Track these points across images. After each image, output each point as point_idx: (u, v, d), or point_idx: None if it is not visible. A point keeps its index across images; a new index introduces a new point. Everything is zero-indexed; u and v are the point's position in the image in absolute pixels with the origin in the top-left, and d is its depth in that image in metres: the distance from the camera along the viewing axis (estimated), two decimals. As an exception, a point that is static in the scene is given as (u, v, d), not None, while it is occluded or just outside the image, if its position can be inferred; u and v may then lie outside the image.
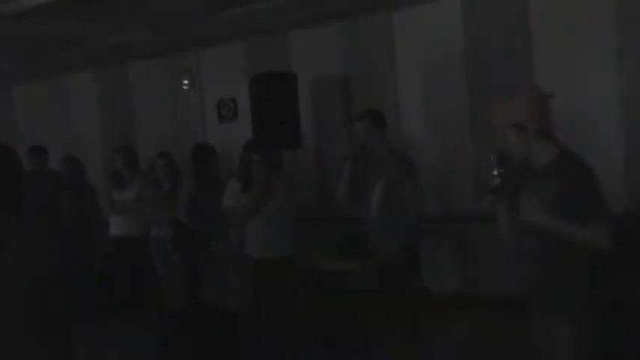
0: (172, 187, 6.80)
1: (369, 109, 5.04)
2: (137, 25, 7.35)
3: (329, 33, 7.59)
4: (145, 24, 7.30)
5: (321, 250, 6.54)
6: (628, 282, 4.80)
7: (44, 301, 2.04)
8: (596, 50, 6.02)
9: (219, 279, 6.22)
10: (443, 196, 6.86)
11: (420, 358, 4.51)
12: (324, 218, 6.97)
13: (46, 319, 2.07)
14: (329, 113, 7.64)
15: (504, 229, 3.08)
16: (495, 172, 2.96)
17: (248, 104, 7.10)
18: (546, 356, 3.03)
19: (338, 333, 5.66)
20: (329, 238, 6.82)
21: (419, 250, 4.83)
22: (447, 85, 6.84)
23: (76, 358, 2.38)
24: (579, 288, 2.92)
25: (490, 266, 6.48)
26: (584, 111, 5.99)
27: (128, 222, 6.99)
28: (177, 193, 6.68)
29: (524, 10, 6.40)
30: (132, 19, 7.08)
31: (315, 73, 7.57)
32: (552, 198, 2.86)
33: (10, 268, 2.04)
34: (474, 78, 6.67)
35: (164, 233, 6.77)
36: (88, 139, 9.78)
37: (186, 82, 8.68)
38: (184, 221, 6.46)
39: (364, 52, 7.42)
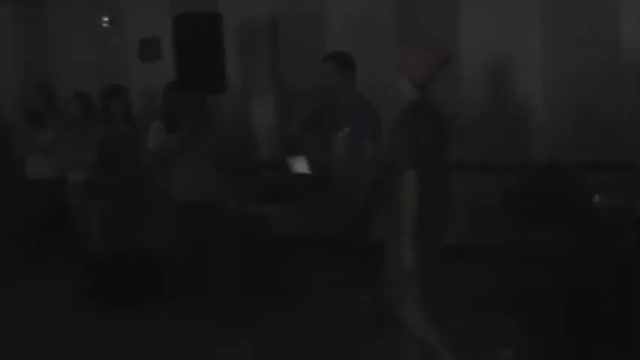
0: (89, 128, 6.60)
1: (337, 50, 4.94)
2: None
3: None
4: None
5: (245, 197, 6.49)
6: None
7: None
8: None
9: (143, 222, 6.12)
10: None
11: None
12: (247, 165, 6.92)
13: None
14: (255, 58, 7.50)
15: None
16: None
17: (171, 44, 6.90)
18: None
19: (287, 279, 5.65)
20: (251, 184, 6.76)
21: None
22: (377, 30, 6.78)
23: None
24: None
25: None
26: (507, 61, 6.08)
27: (47, 164, 6.81)
28: (93, 134, 6.49)
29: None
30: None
31: (243, 16, 7.40)
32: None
33: None
34: (404, 24, 6.63)
35: (81, 176, 6.60)
36: (1, 77, 9.37)
37: (105, 19, 8.38)
38: (98, 164, 6.32)
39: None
